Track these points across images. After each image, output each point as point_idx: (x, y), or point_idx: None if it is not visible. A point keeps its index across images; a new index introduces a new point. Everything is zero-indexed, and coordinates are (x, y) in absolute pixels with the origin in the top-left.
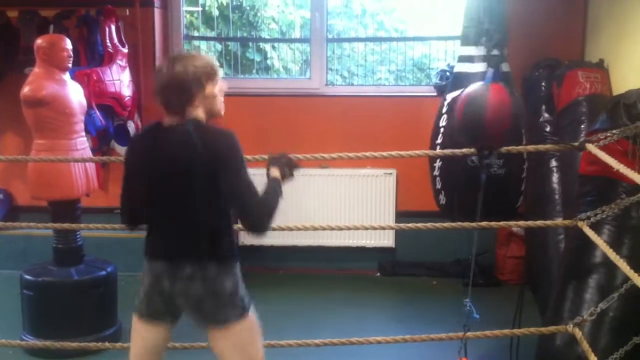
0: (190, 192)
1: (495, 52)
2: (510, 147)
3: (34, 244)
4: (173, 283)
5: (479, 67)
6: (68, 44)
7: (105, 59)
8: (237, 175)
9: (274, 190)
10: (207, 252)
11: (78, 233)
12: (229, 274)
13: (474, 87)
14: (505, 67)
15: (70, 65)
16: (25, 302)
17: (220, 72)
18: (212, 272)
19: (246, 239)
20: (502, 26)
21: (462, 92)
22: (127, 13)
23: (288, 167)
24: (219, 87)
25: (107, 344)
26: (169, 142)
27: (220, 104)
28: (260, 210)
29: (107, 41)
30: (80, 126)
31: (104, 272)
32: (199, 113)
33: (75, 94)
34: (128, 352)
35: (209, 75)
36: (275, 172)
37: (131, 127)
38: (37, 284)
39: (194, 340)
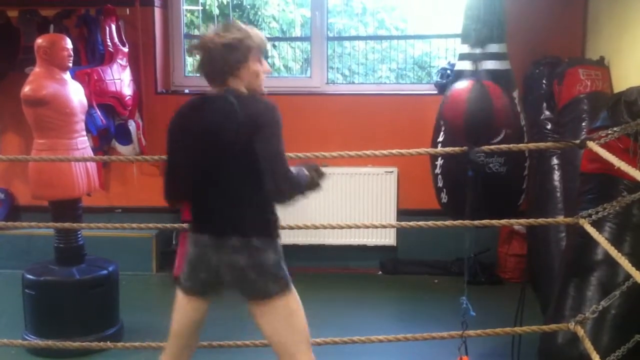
0: (231, 162)
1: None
2: (512, 145)
3: (36, 244)
4: (219, 255)
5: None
6: (68, 44)
7: (106, 58)
8: (272, 142)
9: (306, 172)
10: (251, 225)
11: (79, 232)
12: (271, 247)
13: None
14: (505, 65)
15: (70, 64)
16: (27, 302)
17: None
18: (256, 245)
19: None
20: (485, 24)
21: None
22: (127, 12)
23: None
24: (263, 68)
25: (109, 343)
26: (211, 112)
27: (261, 84)
28: (288, 178)
29: (108, 40)
30: (81, 125)
31: (105, 272)
32: (241, 87)
33: (75, 93)
34: (129, 352)
35: (259, 50)
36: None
37: (132, 126)
38: (38, 283)
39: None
